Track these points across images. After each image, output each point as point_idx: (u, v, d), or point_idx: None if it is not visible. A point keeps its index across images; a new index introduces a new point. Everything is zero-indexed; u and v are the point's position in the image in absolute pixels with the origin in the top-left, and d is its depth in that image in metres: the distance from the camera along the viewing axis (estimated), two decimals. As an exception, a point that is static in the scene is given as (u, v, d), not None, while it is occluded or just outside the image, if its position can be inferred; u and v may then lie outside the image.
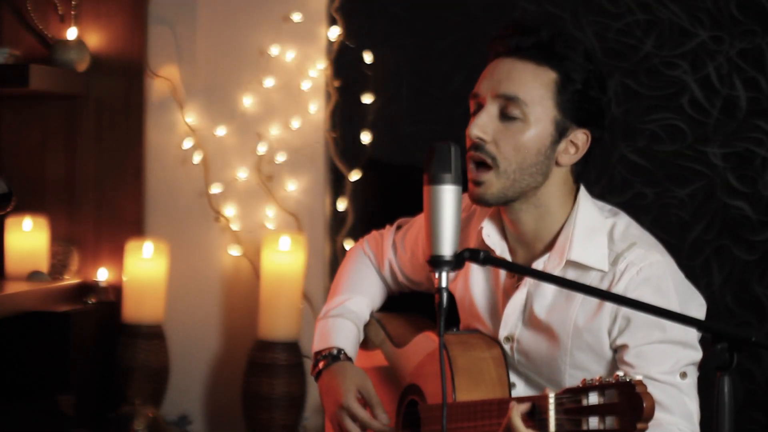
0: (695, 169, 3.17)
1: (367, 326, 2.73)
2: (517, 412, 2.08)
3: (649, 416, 1.91)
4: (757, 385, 3.12)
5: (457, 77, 3.30)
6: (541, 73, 2.37)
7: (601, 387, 1.96)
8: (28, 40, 3.52)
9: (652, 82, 3.18)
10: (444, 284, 2.13)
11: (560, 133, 2.37)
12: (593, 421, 1.95)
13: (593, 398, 1.96)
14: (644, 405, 1.90)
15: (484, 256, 2.13)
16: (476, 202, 2.41)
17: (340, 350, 2.60)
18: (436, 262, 2.14)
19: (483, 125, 2.36)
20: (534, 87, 2.35)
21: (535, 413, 2.07)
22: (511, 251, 2.47)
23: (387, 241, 2.77)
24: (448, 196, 2.15)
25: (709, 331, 1.99)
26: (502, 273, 2.48)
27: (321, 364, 2.60)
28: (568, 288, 2.30)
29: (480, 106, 2.39)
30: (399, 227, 2.79)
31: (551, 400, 2.02)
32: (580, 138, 2.39)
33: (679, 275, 2.44)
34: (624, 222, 2.44)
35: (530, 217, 2.42)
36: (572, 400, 1.99)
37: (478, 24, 3.28)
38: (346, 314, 2.68)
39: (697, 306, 2.46)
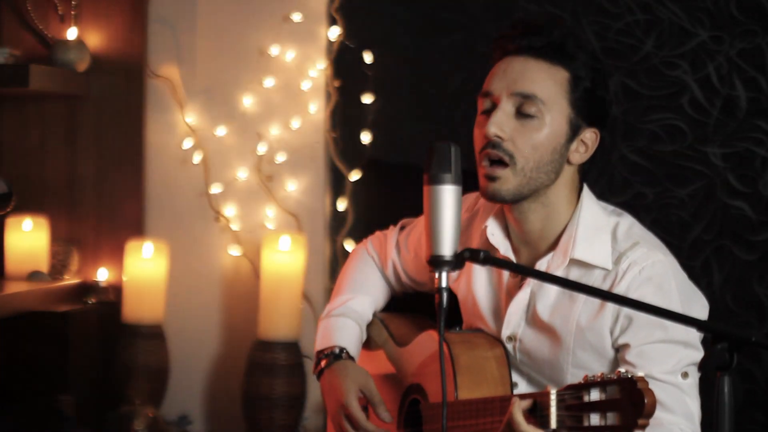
0: (695, 169, 3.17)
1: (369, 326, 2.73)
2: (518, 408, 2.08)
3: (651, 412, 1.91)
4: (757, 385, 3.12)
5: (457, 77, 3.30)
6: (555, 72, 2.38)
7: (602, 383, 1.96)
8: (28, 40, 3.52)
9: (652, 82, 3.18)
10: (444, 284, 2.13)
11: (573, 131, 2.39)
12: (594, 418, 1.95)
13: (595, 394, 1.97)
14: (645, 401, 1.90)
15: (485, 256, 2.13)
16: (490, 198, 2.40)
17: (342, 349, 2.60)
18: (436, 262, 2.14)
19: (500, 123, 2.36)
20: (549, 85, 2.36)
21: (537, 410, 2.07)
22: (515, 250, 2.47)
23: (390, 242, 2.77)
24: (448, 196, 2.15)
25: (709, 331, 1.99)
26: (506, 272, 2.48)
27: (323, 363, 2.60)
28: (569, 288, 2.30)
29: (493, 105, 2.39)
30: (402, 228, 2.79)
31: (553, 397, 2.02)
32: (590, 137, 2.41)
33: (682, 275, 2.44)
34: (627, 222, 2.45)
35: (537, 216, 2.42)
36: (574, 397, 1.99)
37: (478, 24, 3.29)
38: (348, 313, 2.68)
39: (699, 307, 2.46)
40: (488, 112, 2.39)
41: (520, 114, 2.36)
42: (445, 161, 2.15)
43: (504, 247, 2.47)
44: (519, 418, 2.07)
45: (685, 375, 2.32)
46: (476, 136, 2.41)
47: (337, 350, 2.60)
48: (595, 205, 2.45)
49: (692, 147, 3.17)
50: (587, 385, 1.98)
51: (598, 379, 1.97)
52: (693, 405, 2.33)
